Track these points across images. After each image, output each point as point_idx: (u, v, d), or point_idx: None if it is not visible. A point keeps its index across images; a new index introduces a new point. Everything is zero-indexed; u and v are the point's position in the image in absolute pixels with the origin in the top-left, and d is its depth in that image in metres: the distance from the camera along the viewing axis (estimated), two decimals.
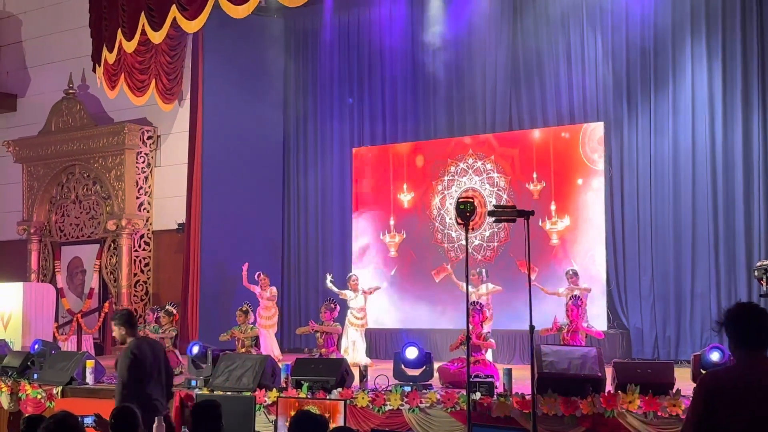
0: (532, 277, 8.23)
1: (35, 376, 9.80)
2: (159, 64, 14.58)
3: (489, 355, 10.20)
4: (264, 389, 8.19)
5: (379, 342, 13.38)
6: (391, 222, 13.91)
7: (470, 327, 7.31)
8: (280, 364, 8.83)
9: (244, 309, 10.99)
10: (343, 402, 7.47)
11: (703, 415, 3.71)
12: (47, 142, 16.20)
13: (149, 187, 15.41)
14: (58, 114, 16.19)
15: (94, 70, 14.50)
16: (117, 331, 6.81)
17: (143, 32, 12.88)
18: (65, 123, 16.10)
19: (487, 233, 13.09)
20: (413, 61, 13.99)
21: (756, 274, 8.70)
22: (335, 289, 12.09)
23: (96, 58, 14.27)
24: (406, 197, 13.88)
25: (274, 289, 12.62)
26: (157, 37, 12.77)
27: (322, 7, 14.41)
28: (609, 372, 7.45)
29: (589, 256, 12.24)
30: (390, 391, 7.84)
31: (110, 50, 13.56)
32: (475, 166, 13.30)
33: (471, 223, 6.63)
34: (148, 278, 15.34)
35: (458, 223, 8.96)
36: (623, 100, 12.42)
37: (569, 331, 9.54)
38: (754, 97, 11.48)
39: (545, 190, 12.67)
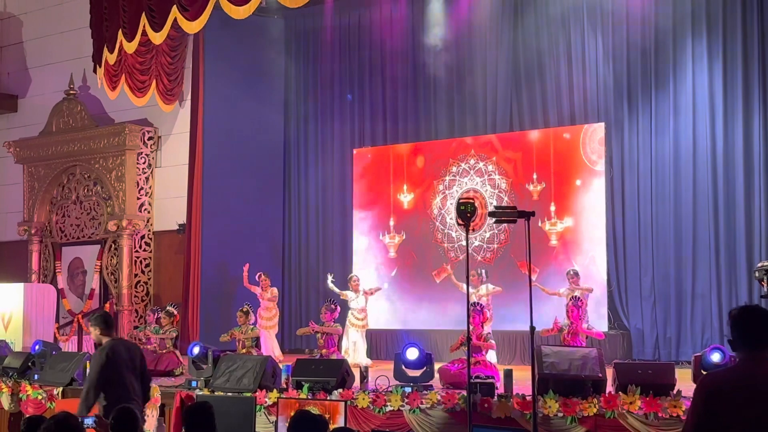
0: (533, 277, 8.23)
1: (36, 376, 9.80)
2: (160, 64, 14.59)
3: (493, 356, 10.21)
4: (264, 390, 8.19)
5: (380, 343, 13.38)
6: (391, 223, 13.91)
7: (471, 328, 7.31)
8: (280, 365, 8.84)
9: (244, 310, 10.98)
10: (343, 403, 7.48)
11: (702, 416, 3.71)
12: (48, 143, 16.20)
13: (150, 187, 15.41)
14: (59, 115, 16.19)
15: (94, 70, 14.52)
16: (93, 332, 6.84)
17: (144, 33, 12.90)
18: (66, 124, 16.10)
19: (487, 235, 13.09)
20: (414, 61, 14.00)
21: (757, 275, 8.69)
22: (336, 290, 12.09)
23: (97, 58, 14.29)
24: (406, 198, 13.88)
25: (275, 289, 12.61)
26: (157, 38, 12.79)
27: (323, 7, 14.41)
28: (610, 373, 7.44)
29: (589, 256, 12.23)
30: (390, 391, 7.84)
31: (111, 51, 13.57)
32: (477, 167, 13.30)
33: (471, 224, 6.63)
34: (149, 279, 15.34)
35: (459, 224, 8.96)
36: (624, 100, 12.42)
37: (570, 332, 9.53)
38: (754, 97, 11.48)
39: (545, 191, 12.67)
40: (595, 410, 6.92)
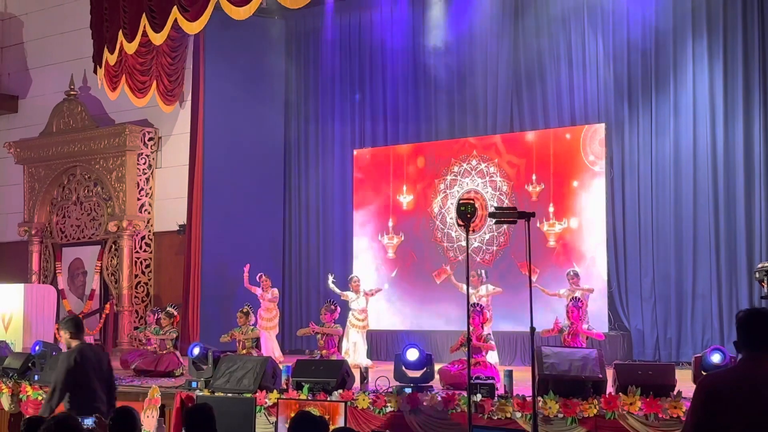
0: (533, 278, 8.22)
1: (36, 377, 9.81)
2: (160, 65, 14.59)
3: (494, 357, 10.20)
4: (265, 391, 8.18)
5: (380, 343, 13.38)
6: (390, 224, 13.91)
7: (471, 328, 7.30)
8: (280, 366, 8.83)
9: (244, 310, 10.97)
10: (343, 404, 7.48)
11: (702, 417, 3.71)
12: (48, 144, 16.21)
13: (150, 188, 15.42)
14: (60, 115, 16.20)
15: (95, 71, 14.51)
16: (63, 336, 6.90)
17: (144, 33, 12.90)
18: (66, 124, 16.11)
19: (487, 236, 13.09)
20: (414, 62, 14.00)
21: (757, 275, 8.69)
22: (337, 290, 12.09)
23: (97, 59, 14.28)
24: (405, 199, 13.87)
25: (275, 290, 12.61)
26: (158, 39, 12.79)
27: (323, 8, 14.42)
28: (610, 374, 7.44)
29: (590, 257, 12.23)
30: (391, 392, 7.84)
31: (111, 51, 13.57)
32: (478, 168, 13.30)
33: (471, 225, 6.62)
34: (149, 280, 15.34)
35: (459, 225, 8.95)
36: (624, 101, 12.42)
37: (570, 332, 9.52)
38: (755, 97, 11.47)
39: (544, 192, 12.66)
40: (595, 411, 6.92)
